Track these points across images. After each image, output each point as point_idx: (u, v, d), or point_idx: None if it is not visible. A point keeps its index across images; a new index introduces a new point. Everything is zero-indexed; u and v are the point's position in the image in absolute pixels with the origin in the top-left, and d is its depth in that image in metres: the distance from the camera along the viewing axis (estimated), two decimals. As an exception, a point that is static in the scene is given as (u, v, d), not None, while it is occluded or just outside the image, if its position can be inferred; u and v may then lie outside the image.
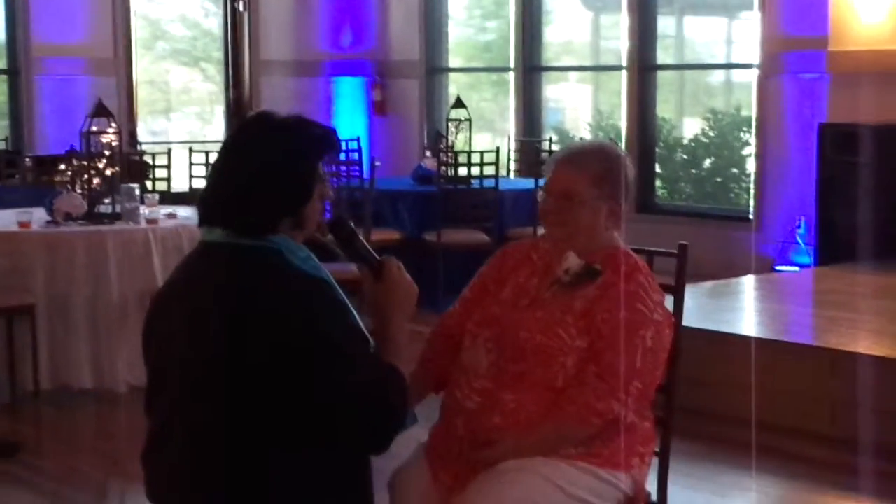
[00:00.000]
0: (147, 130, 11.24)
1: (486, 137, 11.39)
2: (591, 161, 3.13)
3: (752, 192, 9.50)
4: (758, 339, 5.84)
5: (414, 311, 2.71)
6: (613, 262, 3.08)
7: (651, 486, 3.21)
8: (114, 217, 6.58)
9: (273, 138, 2.62)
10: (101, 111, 6.70)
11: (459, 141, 9.30)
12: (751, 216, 9.37)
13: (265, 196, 2.58)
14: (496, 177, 8.79)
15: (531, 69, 11.13)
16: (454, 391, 3.11)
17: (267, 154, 2.60)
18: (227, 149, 2.69)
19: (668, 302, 3.19)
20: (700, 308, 6.41)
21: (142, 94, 11.04)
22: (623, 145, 9.61)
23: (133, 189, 6.65)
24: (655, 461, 3.24)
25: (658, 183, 10.55)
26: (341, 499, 2.60)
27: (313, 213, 2.64)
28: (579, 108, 12.02)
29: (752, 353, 5.51)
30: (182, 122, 11.92)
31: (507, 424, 3.00)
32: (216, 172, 2.66)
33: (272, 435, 2.51)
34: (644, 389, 3.01)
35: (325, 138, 2.68)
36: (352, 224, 2.75)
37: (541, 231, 7.69)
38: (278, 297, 2.51)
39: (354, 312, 2.61)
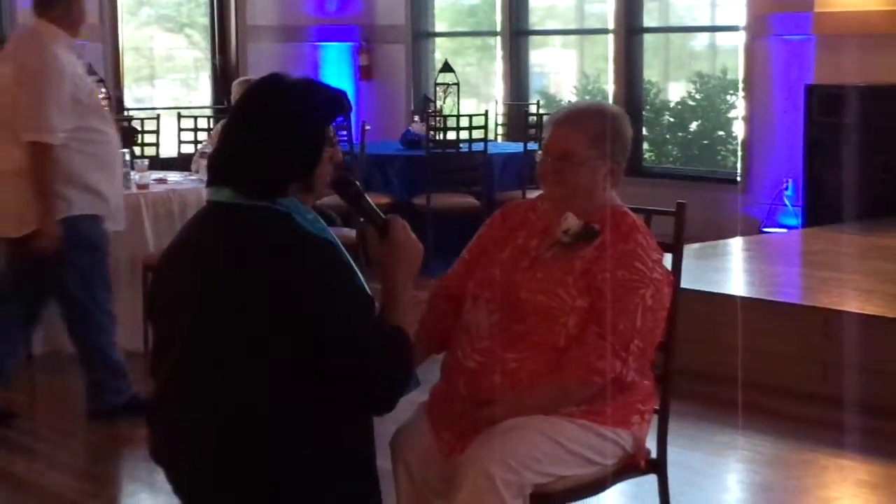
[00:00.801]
0: (132, 97, 11.20)
1: (471, 102, 11.38)
2: (589, 121, 3.14)
3: (739, 154, 9.52)
4: (749, 300, 5.87)
5: (418, 271, 2.72)
6: (612, 221, 3.09)
7: (651, 444, 3.25)
8: (104, 183, 6.55)
9: (284, 101, 2.63)
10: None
11: (447, 105, 9.30)
12: (738, 178, 9.40)
13: (275, 158, 2.58)
14: (484, 141, 8.80)
15: (517, 33, 11.11)
16: (456, 351, 3.13)
17: (277, 117, 2.60)
18: (238, 111, 2.70)
19: (666, 260, 3.21)
20: (690, 269, 6.38)
21: (127, 60, 10.99)
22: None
23: (123, 155, 6.62)
24: (655, 419, 3.27)
25: (645, 146, 10.56)
26: (342, 459, 2.62)
27: (323, 177, 2.65)
28: (565, 73, 12.02)
29: (739, 313, 5.55)
30: (166, 88, 11.87)
31: (508, 383, 3.02)
32: (226, 134, 2.67)
33: (277, 395, 2.52)
34: (644, 348, 3.04)
35: (336, 101, 2.68)
36: (357, 183, 2.76)
37: (529, 194, 7.69)
38: (285, 257, 2.51)
39: (360, 275, 2.62)
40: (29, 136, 5.01)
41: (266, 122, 2.60)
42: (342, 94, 2.71)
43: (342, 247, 2.63)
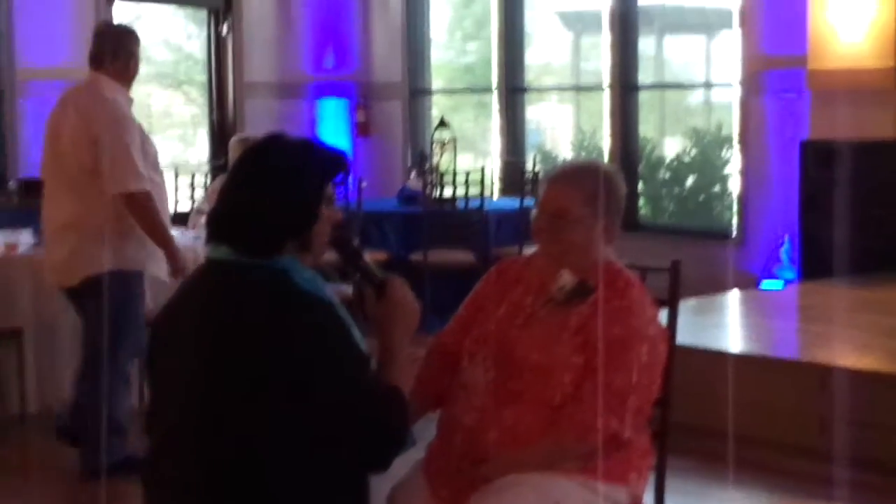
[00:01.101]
0: (130, 154, 11.22)
1: (468, 158, 11.43)
2: (584, 179, 3.16)
3: (735, 209, 9.55)
4: (745, 355, 5.88)
5: (416, 330, 2.74)
6: (607, 278, 3.10)
7: (648, 500, 3.23)
8: (101, 239, 6.55)
9: (283, 160, 2.66)
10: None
11: (444, 161, 9.33)
12: (734, 233, 9.42)
13: (273, 217, 2.61)
14: (481, 197, 8.83)
15: (513, 90, 11.17)
16: (452, 408, 3.13)
17: (276, 176, 2.63)
18: (238, 170, 2.72)
19: (662, 317, 3.22)
20: (687, 324, 6.39)
21: (125, 117, 11.03)
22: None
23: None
24: (652, 475, 3.26)
25: (641, 201, 10.60)
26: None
27: (321, 236, 2.67)
28: (561, 128, 12.09)
29: (735, 369, 5.54)
30: (164, 144, 11.92)
31: (505, 440, 3.02)
32: (226, 193, 2.69)
33: (274, 453, 2.52)
34: (641, 404, 3.04)
35: (334, 161, 2.71)
36: (356, 242, 2.78)
37: (526, 250, 7.69)
38: (282, 316, 2.53)
39: (357, 333, 2.63)
40: (123, 188, 5.07)
41: (265, 181, 2.63)
42: (341, 153, 2.73)
43: (339, 306, 2.64)
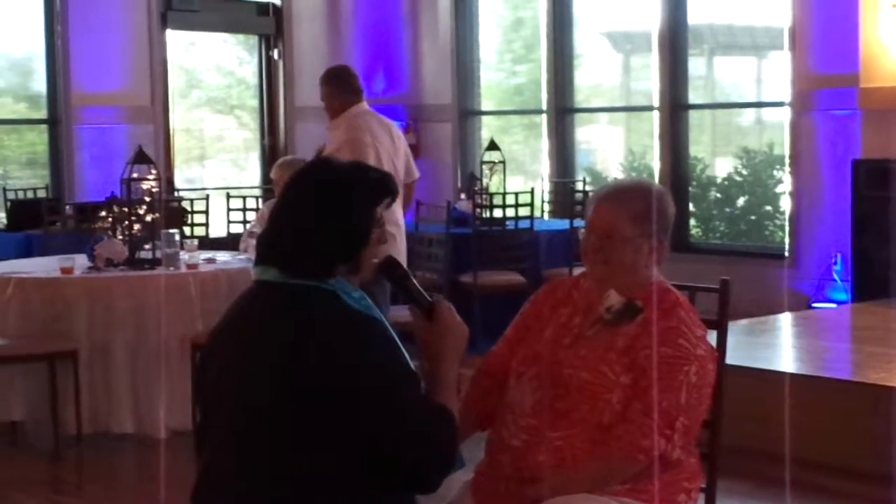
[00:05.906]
0: (182, 178, 11.34)
1: (519, 180, 11.44)
2: (632, 199, 3.15)
3: (786, 229, 9.49)
4: (798, 376, 5.83)
5: (464, 353, 2.75)
6: (655, 298, 3.10)
7: (697, 522, 3.22)
8: (154, 263, 6.64)
9: (332, 184, 2.68)
10: (141, 158, 6.77)
11: (493, 183, 9.35)
12: (786, 253, 9.36)
13: (323, 241, 2.63)
14: (531, 218, 8.83)
15: (563, 111, 11.18)
16: (500, 429, 3.13)
17: (326, 199, 2.65)
18: (288, 193, 2.74)
19: (711, 337, 3.20)
20: (738, 345, 6.39)
21: (177, 141, 11.15)
22: (656, 185, 9.62)
23: (173, 235, 6.71)
24: (701, 497, 3.25)
25: (692, 222, 10.55)
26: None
27: (370, 258, 2.69)
28: (611, 149, 12.06)
29: (787, 390, 5.50)
30: (216, 169, 12.02)
31: (553, 461, 3.01)
32: (276, 216, 2.71)
33: (322, 471, 2.54)
34: (689, 425, 3.02)
35: (383, 183, 2.73)
36: (405, 266, 2.79)
37: (576, 271, 7.69)
38: (332, 335, 2.54)
39: (406, 353, 2.65)
40: (414, 177, 6.79)
41: (316, 205, 2.65)
42: (389, 176, 2.76)
43: (388, 325, 2.66)
